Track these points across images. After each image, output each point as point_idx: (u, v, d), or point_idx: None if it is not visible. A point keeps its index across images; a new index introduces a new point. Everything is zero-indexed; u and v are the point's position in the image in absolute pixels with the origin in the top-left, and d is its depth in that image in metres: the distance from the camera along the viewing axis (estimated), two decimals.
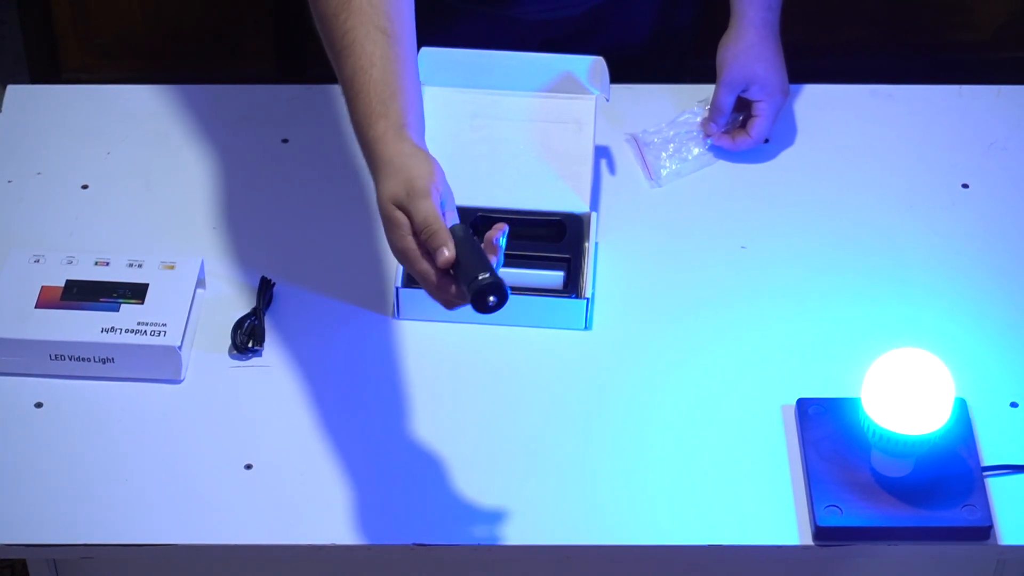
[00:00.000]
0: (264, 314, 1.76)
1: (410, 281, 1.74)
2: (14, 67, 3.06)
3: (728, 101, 1.93)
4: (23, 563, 2.35)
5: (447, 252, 1.48)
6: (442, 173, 1.53)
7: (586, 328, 1.76)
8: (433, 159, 1.54)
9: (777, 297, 1.81)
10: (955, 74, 2.34)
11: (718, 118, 1.94)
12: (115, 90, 2.01)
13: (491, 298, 1.46)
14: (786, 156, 1.96)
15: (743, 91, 1.92)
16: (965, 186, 1.93)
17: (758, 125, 1.93)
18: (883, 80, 2.05)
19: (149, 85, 2.02)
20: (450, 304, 1.51)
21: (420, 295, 1.74)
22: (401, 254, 1.51)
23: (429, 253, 1.49)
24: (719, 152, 1.95)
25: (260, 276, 1.79)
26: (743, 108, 1.95)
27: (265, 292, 1.77)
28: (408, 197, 1.50)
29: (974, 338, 1.76)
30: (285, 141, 1.96)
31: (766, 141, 1.97)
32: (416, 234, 1.50)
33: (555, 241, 1.79)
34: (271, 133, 1.97)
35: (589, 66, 1.86)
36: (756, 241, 1.86)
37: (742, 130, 1.94)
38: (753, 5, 1.94)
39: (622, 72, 1.98)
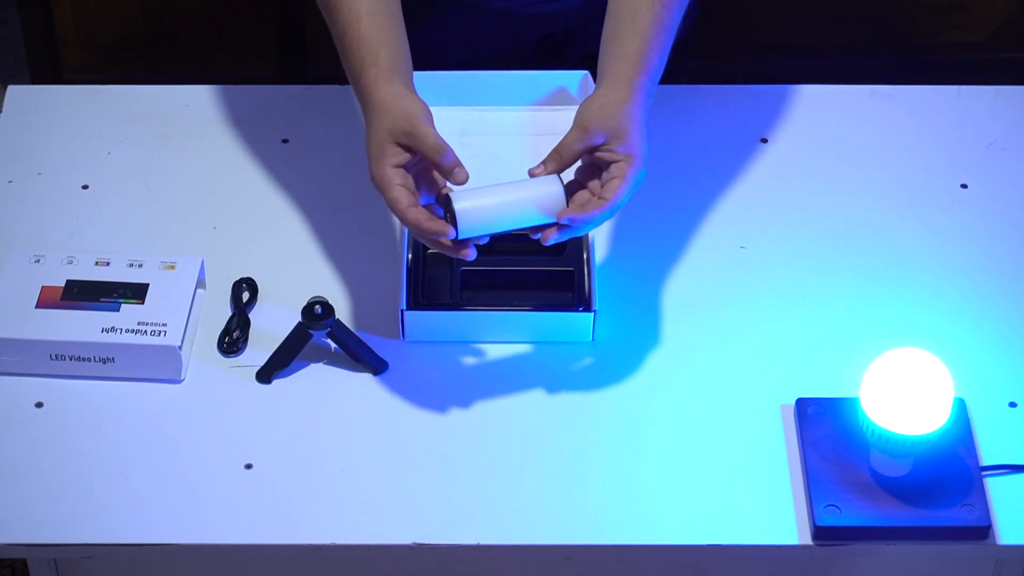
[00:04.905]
0: (246, 313, 1.77)
1: (416, 304, 1.74)
2: (15, 67, 3.06)
3: (575, 148, 1.65)
4: (24, 563, 2.35)
5: (463, 174, 1.61)
6: (426, 108, 1.65)
7: (593, 341, 1.76)
8: (419, 99, 1.66)
9: (776, 297, 1.81)
10: (954, 75, 2.35)
11: (551, 163, 1.65)
12: (115, 90, 2.02)
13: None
14: (785, 156, 1.96)
15: (601, 144, 1.65)
16: (964, 186, 1.93)
17: (619, 189, 1.62)
18: (882, 80, 2.05)
19: (149, 85, 2.02)
20: (427, 230, 1.61)
21: (426, 317, 1.74)
22: (386, 182, 1.62)
23: (426, 182, 1.65)
24: (715, 155, 1.95)
25: (256, 277, 1.80)
26: (590, 176, 1.67)
27: (240, 294, 1.78)
28: (414, 127, 1.62)
29: (973, 338, 1.76)
30: (285, 141, 1.96)
31: (764, 141, 1.97)
32: (428, 157, 1.62)
33: (556, 254, 1.79)
34: (271, 133, 1.97)
35: (575, 80, 1.86)
36: (755, 241, 1.86)
37: (592, 197, 1.65)
38: (635, 68, 1.68)
39: None
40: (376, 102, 1.65)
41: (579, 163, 1.68)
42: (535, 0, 1.97)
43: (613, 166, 1.64)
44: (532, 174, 1.66)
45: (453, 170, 1.62)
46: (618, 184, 1.63)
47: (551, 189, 1.63)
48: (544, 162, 1.66)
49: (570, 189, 1.65)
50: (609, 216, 1.63)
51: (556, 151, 1.67)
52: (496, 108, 1.86)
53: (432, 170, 1.65)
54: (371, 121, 1.65)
